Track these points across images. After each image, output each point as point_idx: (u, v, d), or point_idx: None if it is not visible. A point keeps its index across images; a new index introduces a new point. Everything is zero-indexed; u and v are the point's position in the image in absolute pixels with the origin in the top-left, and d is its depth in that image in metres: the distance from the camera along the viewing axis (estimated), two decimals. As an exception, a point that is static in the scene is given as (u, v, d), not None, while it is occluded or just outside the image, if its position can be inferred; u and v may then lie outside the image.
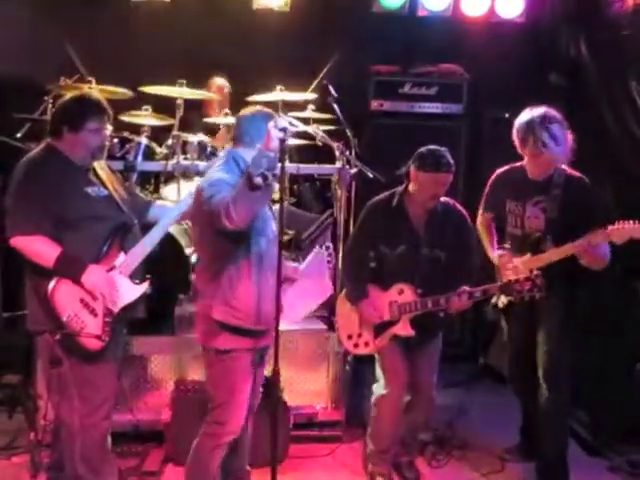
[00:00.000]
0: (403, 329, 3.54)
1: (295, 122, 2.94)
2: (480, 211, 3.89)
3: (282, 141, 2.79)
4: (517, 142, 3.63)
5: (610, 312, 4.39)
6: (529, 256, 3.59)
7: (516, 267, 3.59)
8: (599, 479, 3.88)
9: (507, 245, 3.76)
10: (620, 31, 5.05)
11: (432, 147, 3.47)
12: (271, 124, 2.83)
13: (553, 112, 3.59)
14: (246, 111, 3.16)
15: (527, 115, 3.60)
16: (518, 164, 3.73)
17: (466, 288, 3.45)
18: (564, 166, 3.63)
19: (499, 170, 3.83)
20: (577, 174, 3.65)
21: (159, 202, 3.47)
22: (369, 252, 3.60)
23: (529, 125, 3.54)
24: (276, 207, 3.20)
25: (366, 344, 3.63)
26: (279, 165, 2.84)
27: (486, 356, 5.35)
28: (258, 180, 2.73)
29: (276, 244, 2.96)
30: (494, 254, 3.75)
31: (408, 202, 3.54)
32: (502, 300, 3.70)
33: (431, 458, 4.00)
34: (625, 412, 4.21)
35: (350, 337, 3.68)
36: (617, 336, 4.27)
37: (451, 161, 3.43)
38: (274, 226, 3.15)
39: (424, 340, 3.61)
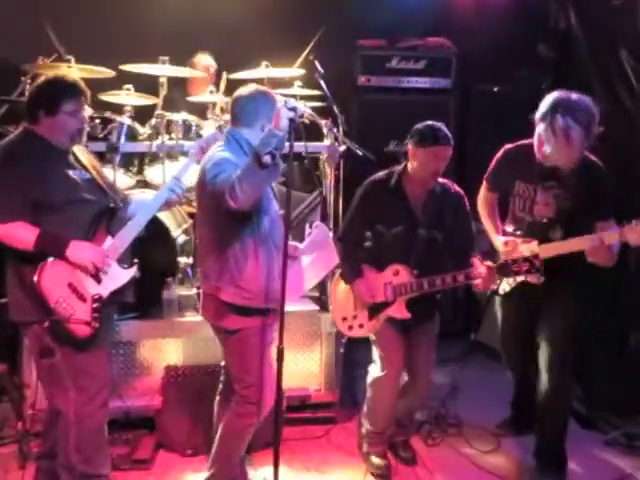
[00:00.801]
0: (398, 311, 3.48)
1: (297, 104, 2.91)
2: (484, 188, 3.72)
3: (291, 120, 2.80)
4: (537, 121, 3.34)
5: (603, 285, 4.36)
6: (536, 244, 3.38)
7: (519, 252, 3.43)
8: (595, 453, 3.87)
9: (509, 228, 3.60)
10: (610, 1, 4.98)
11: (428, 122, 3.39)
12: (281, 103, 2.86)
13: (585, 102, 3.26)
14: (243, 90, 3.15)
15: (551, 97, 3.29)
16: (528, 142, 3.45)
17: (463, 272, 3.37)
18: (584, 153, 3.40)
19: (508, 146, 3.60)
20: (593, 159, 3.43)
21: (136, 197, 3.39)
22: (365, 231, 3.54)
23: (554, 105, 3.24)
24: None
25: (360, 326, 3.58)
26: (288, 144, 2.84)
27: (477, 332, 5.33)
28: (267, 158, 2.75)
29: (280, 223, 3.01)
30: (498, 239, 3.57)
31: (406, 182, 3.47)
32: (503, 287, 3.63)
33: (427, 437, 3.98)
34: (619, 385, 4.21)
35: (345, 319, 3.63)
36: (610, 309, 4.25)
37: (449, 134, 3.35)
38: (277, 205, 3.17)
39: (420, 322, 3.56)
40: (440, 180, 3.50)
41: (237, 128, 3.12)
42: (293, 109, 2.81)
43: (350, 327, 3.62)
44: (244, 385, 3.13)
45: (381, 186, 3.51)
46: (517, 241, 3.46)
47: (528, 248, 3.40)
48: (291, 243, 3.35)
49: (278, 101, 2.99)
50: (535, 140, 3.39)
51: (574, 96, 3.27)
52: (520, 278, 3.49)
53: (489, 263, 3.42)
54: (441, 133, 3.34)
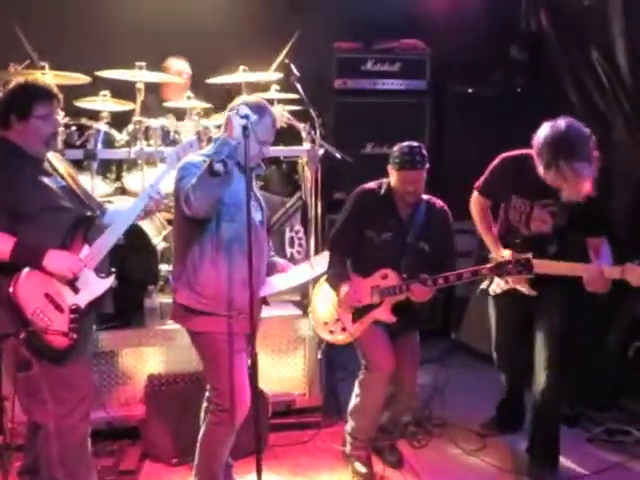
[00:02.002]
0: (384, 314, 3.50)
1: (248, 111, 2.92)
2: (477, 192, 3.69)
3: (244, 128, 2.81)
4: (537, 159, 3.29)
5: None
6: (530, 257, 3.31)
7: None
8: (578, 450, 3.91)
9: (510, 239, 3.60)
10: (580, 2, 5.06)
11: (405, 144, 3.47)
12: (232, 112, 2.90)
13: (574, 137, 3.21)
14: (234, 101, 3.15)
15: (545, 137, 3.23)
16: (527, 152, 3.39)
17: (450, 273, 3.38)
18: None
19: (506, 156, 3.55)
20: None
21: (112, 209, 3.34)
22: (354, 238, 3.56)
23: (548, 153, 3.20)
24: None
25: (343, 329, 3.57)
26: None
27: (457, 331, 5.38)
28: (218, 166, 2.80)
29: (256, 231, 2.99)
30: (499, 250, 3.52)
31: (394, 194, 3.54)
32: (493, 288, 3.66)
33: (412, 439, 3.99)
34: (600, 382, 4.27)
35: (326, 323, 3.64)
36: (589, 306, 4.30)
37: (418, 158, 3.41)
38: (258, 214, 3.16)
39: (405, 330, 3.58)
40: (425, 197, 3.59)
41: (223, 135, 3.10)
42: (245, 117, 2.84)
43: (331, 332, 3.63)
44: (216, 393, 3.12)
45: (371, 194, 3.58)
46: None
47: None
48: (283, 262, 3.39)
49: (230, 109, 3.01)
50: (541, 173, 3.30)
51: (565, 129, 3.21)
52: (510, 283, 3.54)
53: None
54: (412, 157, 3.41)
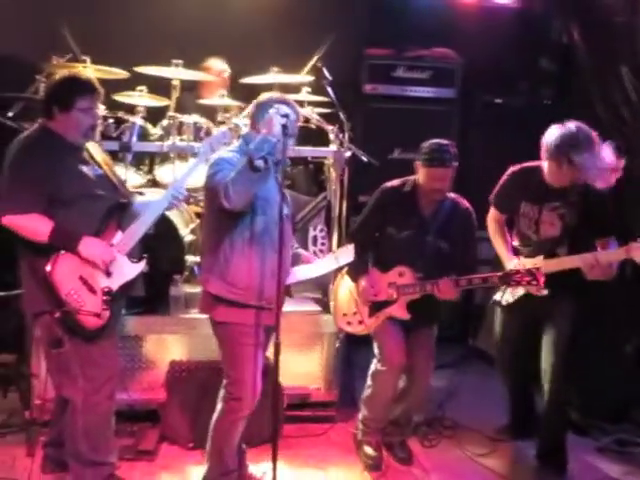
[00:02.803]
0: (399, 310, 3.59)
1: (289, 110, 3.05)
2: (492, 208, 3.81)
3: (284, 127, 2.92)
4: (545, 155, 3.48)
5: (599, 292, 4.44)
6: (541, 259, 3.51)
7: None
8: (588, 459, 3.95)
9: (516, 243, 3.72)
10: (612, 17, 5.09)
11: (434, 141, 3.51)
12: (273, 110, 2.98)
13: (583, 135, 3.40)
14: (261, 97, 3.24)
15: (556, 137, 3.42)
16: (534, 164, 3.60)
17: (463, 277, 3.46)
18: None
19: (514, 169, 3.71)
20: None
21: (140, 198, 3.48)
22: (375, 233, 3.65)
23: (559, 150, 3.38)
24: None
25: (360, 322, 3.68)
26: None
27: (475, 338, 5.43)
28: (259, 163, 2.89)
29: (285, 225, 3.07)
30: (509, 260, 3.64)
31: (418, 192, 3.60)
32: (506, 298, 3.73)
33: (423, 438, 4.06)
34: (613, 392, 4.29)
35: (345, 315, 3.74)
36: (605, 315, 4.33)
37: (447, 155, 3.45)
38: (285, 209, 3.22)
39: (420, 326, 3.66)
40: (451, 195, 3.64)
41: (251, 131, 3.21)
42: (285, 116, 2.94)
43: (349, 323, 3.73)
44: (229, 381, 3.21)
45: (395, 191, 3.65)
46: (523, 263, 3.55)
47: (533, 261, 3.52)
48: (309, 255, 3.51)
49: (271, 108, 3.07)
50: (547, 171, 3.48)
51: (576, 128, 3.40)
52: (521, 290, 3.60)
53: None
54: (442, 155, 3.45)
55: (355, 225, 3.86)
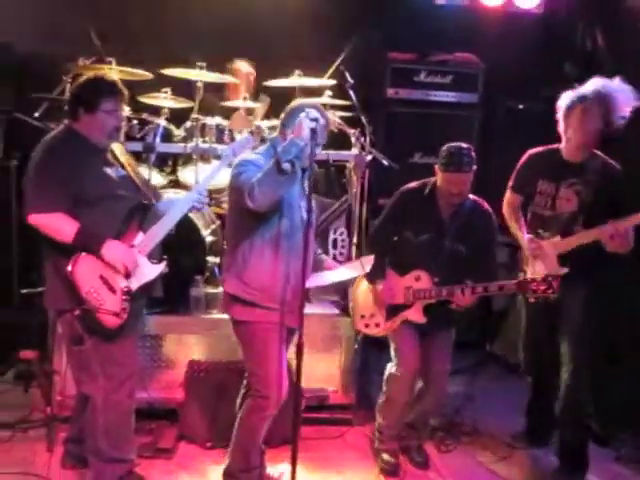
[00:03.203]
0: (415, 314, 3.59)
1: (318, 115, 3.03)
2: (509, 191, 3.88)
3: (313, 131, 2.93)
4: (564, 113, 3.62)
5: (617, 300, 4.42)
6: (559, 238, 3.61)
7: (545, 254, 3.60)
8: (606, 469, 3.92)
9: (540, 231, 3.74)
10: (637, 22, 5.05)
11: (454, 144, 3.51)
12: (303, 114, 2.98)
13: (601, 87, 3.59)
14: (292, 103, 3.28)
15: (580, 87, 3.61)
16: (554, 145, 3.72)
17: (480, 285, 3.46)
18: (600, 153, 3.66)
19: (531, 150, 3.82)
20: (613, 162, 3.66)
21: (168, 194, 3.52)
22: (393, 236, 3.65)
23: (587, 91, 3.55)
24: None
25: (377, 325, 3.69)
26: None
27: (492, 344, 5.41)
28: (286, 166, 2.91)
29: (309, 233, 3.05)
30: (525, 237, 3.73)
31: (437, 195, 3.60)
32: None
33: (439, 443, 4.06)
34: (632, 402, 4.26)
35: (363, 317, 3.75)
36: (624, 324, 4.30)
37: (466, 160, 3.45)
38: (309, 215, 3.16)
39: (436, 330, 3.66)
40: (472, 197, 3.64)
41: (280, 136, 3.23)
42: (315, 120, 2.94)
43: (367, 325, 3.73)
44: (255, 379, 3.24)
45: (414, 195, 3.65)
46: (541, 243, 3.64)
47: (552, 241, 3.61)
48: (332, 262, 3.51)
49: (301, 112, 3.07)
50: (572, 126, 3.60)
51: (591, 86, 3.58)
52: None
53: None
54: (461, 160, 3.44)
55: (373, 228, 3.87)
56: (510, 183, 3.89)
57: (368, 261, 3.42)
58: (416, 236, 3.60)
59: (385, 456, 3.78)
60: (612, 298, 3.93)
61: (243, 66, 5.07)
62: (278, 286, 3.16)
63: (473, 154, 3.50)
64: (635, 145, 4.24)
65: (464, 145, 3.50)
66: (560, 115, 3.65)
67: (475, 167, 3.49)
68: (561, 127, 3.66)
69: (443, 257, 3.58)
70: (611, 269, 3.68)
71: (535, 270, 3.67)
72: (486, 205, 3.69)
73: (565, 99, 3.63)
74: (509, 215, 3.87)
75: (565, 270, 3.54)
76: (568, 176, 3.64)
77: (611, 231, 3.43)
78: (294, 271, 3.11)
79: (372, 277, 3.66)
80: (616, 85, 3.58)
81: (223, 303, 3.34)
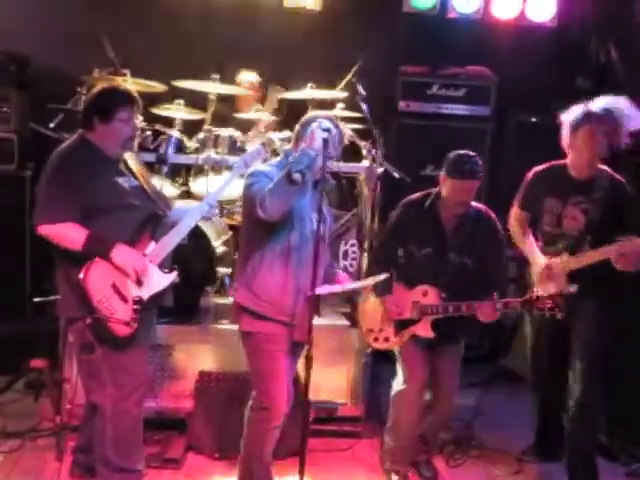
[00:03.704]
0: (423, 330, 3.56)
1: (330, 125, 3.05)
2: (515, 207, 3.85)
3: (325, 141, 2.93)
4: (570, 131, 3.59)
5: (627, 315, 4.38)
6: (567, 256, 3.59)
7: (554, 275, 3.58)
8: (617, 484, 3.90)
9: (545, 247, 3.73)
10: (650, 38, 5.06)
11: (461, 152, 3.48)
12: (315, 124, 3.00)
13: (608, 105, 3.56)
14: (307, 114, 3.28)
15: (586, 105, 3.57)
16: (560, 162, 3.69)
17: (487, 302, 3.42)
18: (607, 168, 3.64)
19: (538, 167, 3.79)
20: (620, 178, 3.64)
21: (179, 203, 3.55)
22: (398, 249, 3.64)
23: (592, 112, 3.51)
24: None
25: (386, 339, 3.66)
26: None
27: (504, 358, 5.38)
28: (297, 176, 2.90)
29: (320, 246, 3.03)
30: (539, 258, 3.68)
31: (440, 205, 3.56)
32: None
33: (449, 457, 4.03)
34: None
35: (371, 330, 3.71)
36: (634, 339, 4.27)
37: (477, 168, 3.43)
38: (321, 229, 3.13)
39: (445, 343, 3.64)
40: (475, 205, 3.59)
41: (293, 148, 3.23)
42: (327, 130, 2.95)
43: (375, 339, 3.70)
44: (257, 390, 3.22)
45: (416, 207, 3.62)
46: (551, 264, 3.60)
47: (559, 260, 3.58)
48: (345, 275, 3.45)
49: (313, 122, 3.08)
50: (569, 152, 3.59)
51: (596, 105, 3.53)
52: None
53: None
54: (467, 167, 3.41)
55: (378, 242, 3.86)
56: (517, 200, 3.85)
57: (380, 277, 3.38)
58: (419, 249, 3.56)
59: (395, 478, 3.74)
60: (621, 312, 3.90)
61: (246, 76, 5.10)
62: (287, 299, 3.14)
63: (480, 162, 3.48)
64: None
65: (471, 153, 3.47)
66: (565, 131, 3.63)
67: (480, 176, 3.46)
68: (565, 142, 3.64)
69: (449, 271, 3.54)
70: (620, 286, 3.65)
71: (546, 288, 3.62)
72: (490, 213, 3.66)
73: (571, 116, 3.60)
74: (518, 231, 3.83)
75: (575, 288, 3.51)
76: (575, 194, 3.61)
77: (621, 250, 3.40)
78: (304, 284, 3.08)
79: (379, 292, 3.65)
80: (622, 104, 3.54)
81: (234, 313, 3.34)
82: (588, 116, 3.52)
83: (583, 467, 3.72)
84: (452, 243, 3.55)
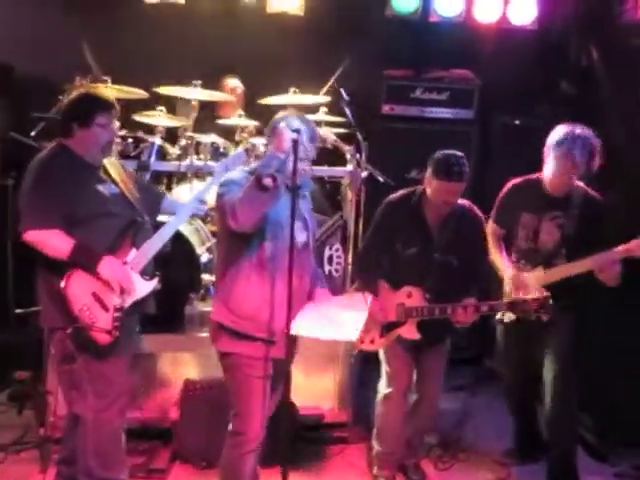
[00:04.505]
0: (408, 332, 3.53)
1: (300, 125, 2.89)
2: (491, 222, 3.82)
3: (294, 142, 2.74)
4: (547, 152, 3.61)
5: (615, 316, 4.39)
6: (542, 270, 3.58)
7: (526, 285, 3.58)
8: (605, 485, 3.90)
9: (513, 259, 3.74)
10: (631, 40, 5.08)
11: (448, 152, 3.42)
12: (283, 125, 2.84)
13: (587, 132, 3.57)
14: (275, 116, 3.12)
15: (562, 133, 3.56)
16: (534, 176, 3.68)
17: (471, 302, 3.41)
18: (582, 184, 3.64)
19: (514, 181, 3.78)
20: (595, 195, 3.65)
21: (170, 197, 3.52)
22: (384, 249, 3.57)
23: (564, 144, 3.51)
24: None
25: (372, 341, 3.60)
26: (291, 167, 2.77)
27: (491, 360, 5.38)
28: (267, 181, 2.71)
29: (300, 253, 2.94)
30: (507, 269, 3.69)
31: (425, 204, 3.50)
32: (509, 315, 3.69)
33: (437, 461, 4.02)
34: (631, 417, 4.22)
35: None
36: (623, 340, 4.27)
37: (464, 169, 3.38)
38: (303, 236, 3.07)
39: (430, 344, 3.61)
40: (461, 202, 3.55)
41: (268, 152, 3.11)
42: (296, 131, 2.77)
43: (362, 341, 3.61)
44: (232, 413, 3.07)
45: (400, 205, 3.55)
46: (524, 275, 3.61)
47: (534, 274, 3.58)
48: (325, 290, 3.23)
49: (281, 122, 2.93)
50: (546, 170, 3.59)
51: (578, 130, 3.53)
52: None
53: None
54: (455, 168, 3.35)
55: (362, 247, 3.81)
56: (492, 214, 3.83)
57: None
58: (405, 248, 3.50)
59: None
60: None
61: (227, 81, 5.09)
62: (264, 313, 2.95)
63: (466, 162, 3.43)
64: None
65: (458, 153, 3.42)
66: (547, 148, 3.62)
67: (466, 177, 3.42)
68: (546, 158, 3.62)
69: (434, 272, 3.50)
70: (595, 299, 3.69)
71: None
72: (476, 210, 3.62)
73: (555, 136, 3.59)
74: (492, 245, 3.78)
75: (548, 318, 3.50)
76: (551, 209, 3.62)
77: (595, 264, 3.42)
78: (284, 296, 2.86)
79: (364, 292, 3.60)
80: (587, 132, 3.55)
81: (211, 332, 3.14)
82: (567, 139, 3.51)
83: (563, 468, 3.74)
84: (437, 242, 3.50)
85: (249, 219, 2.81)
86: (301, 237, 3.06)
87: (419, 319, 3.50)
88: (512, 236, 3.76)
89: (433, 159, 3.44)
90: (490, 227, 3.82)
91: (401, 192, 3.63)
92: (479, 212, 3.64)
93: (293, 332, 2.90)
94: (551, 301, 3.37)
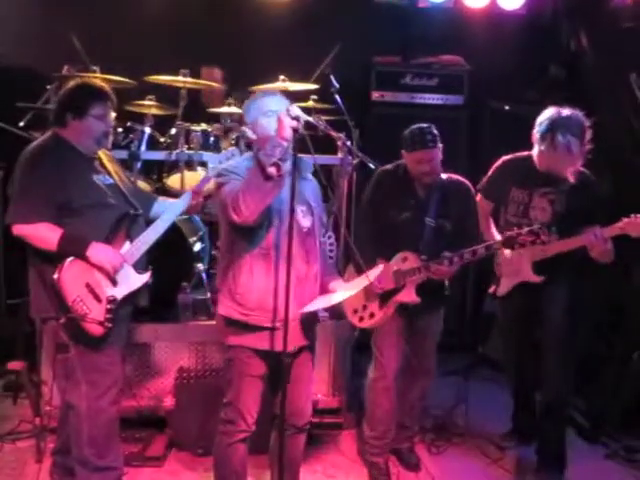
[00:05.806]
0: (408, 295, 3.50)
1: (299, 112, 2.77)
2: (479, 195, 3.83)
3: (295, 130, 2.67)
4: (535, 136, 3.58)
5: (607, 300, 4.44)
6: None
7: (519, 258, 3.61)
8: (596, 466, 3.94)
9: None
10: (621, 24, 5.09)
11: (415, 126, 3.47)
12: (283, 112, 2.75)
13: (578, 116, 3.52)
14: (250, 98, 3.09)
15: (548, 116, 3.53)
16: (525, 153, 3.69)
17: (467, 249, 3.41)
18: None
19: (505, 157, 3.80)
20: (585, 171, 3.64)
21: (162, 198, 3.50)
22: (378, 219, 3.57)
23: (552, 125, 3.47)
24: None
25: (371, 315, 3.58)
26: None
27: (484, 346, 5.42)
28: (271, 170, 2.64)
29: (304, 239, 2.92)
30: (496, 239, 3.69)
31: (410, 177, 3.55)
32: (500, 290, 3.75)
33: (431, 445, 4.06)
34: (622, 400, 4.27)
35: (355, 311, 3.63)
36: (615, 323, 4.32)
37: (430, 137, 3.40)
38: (307, 220, 3.01)
39: (426, 309, 3.59)
40: (444, 175, 3.58)
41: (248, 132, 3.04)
42: (296, 118, 2.68)
43: (361, 318, 3.61)
44: (225, 401, 3.05)
45: (391, 174, 3.60)
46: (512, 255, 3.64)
47: (524, 252, 3.58)
48: (332, 285, 3.16)
49: (281, 109, 2.82)
50: (535, 154, 3.57)
51: (566, 112, 3.51)
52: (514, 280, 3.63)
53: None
54: (427, 137, 3.40)
55: (359, 216, 3.80)
56: (480, 187, 3.82)
57: (373, 272, 3.18)
58: (399, 213, 3.52)
59: (376, 467, 3.73)
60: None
61: (207, 71, 5.06)
62: (270, 301, 2.89)
63: (436, 132, 3.45)
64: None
65: (424, 125, 3.46)
66: (535, 132, 3.57)
67: (441, 145, 3.44)
68: (535, 139, 3.58)
69: (428, 236, 3.52)
70: (587, 274, 3.71)
71: (511, 277, 3.71)
72: (460, 178, 3.65)
73: (543, 119, 3.54)
74: (480, 219, 3.77)
75: (540, 279, 3.57)
76: (542, 185, 3.62)
77: (587, 241, 3.43)
78: (290, 284, 2.78)
79: (361, 268, 3.58)
80: (574, 145, 3.46)
81: (217, 327, 3.11)
82: (554, 126, 3.46)
83: (555, 452, 3.77)
84: (429, 207, 3.53)
85: (253, 212, 2.72)
86: (305, 222, 3.00)
87: (418, 280, 3.48)
88: (499, 210, 3.78)
89: (403, 135, 3.50)
90: (478, 201, 3.82)
91: (390, 165, 3.67)
92: (465, 181, 3.65)
93: (312, 308, 2.94)
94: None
